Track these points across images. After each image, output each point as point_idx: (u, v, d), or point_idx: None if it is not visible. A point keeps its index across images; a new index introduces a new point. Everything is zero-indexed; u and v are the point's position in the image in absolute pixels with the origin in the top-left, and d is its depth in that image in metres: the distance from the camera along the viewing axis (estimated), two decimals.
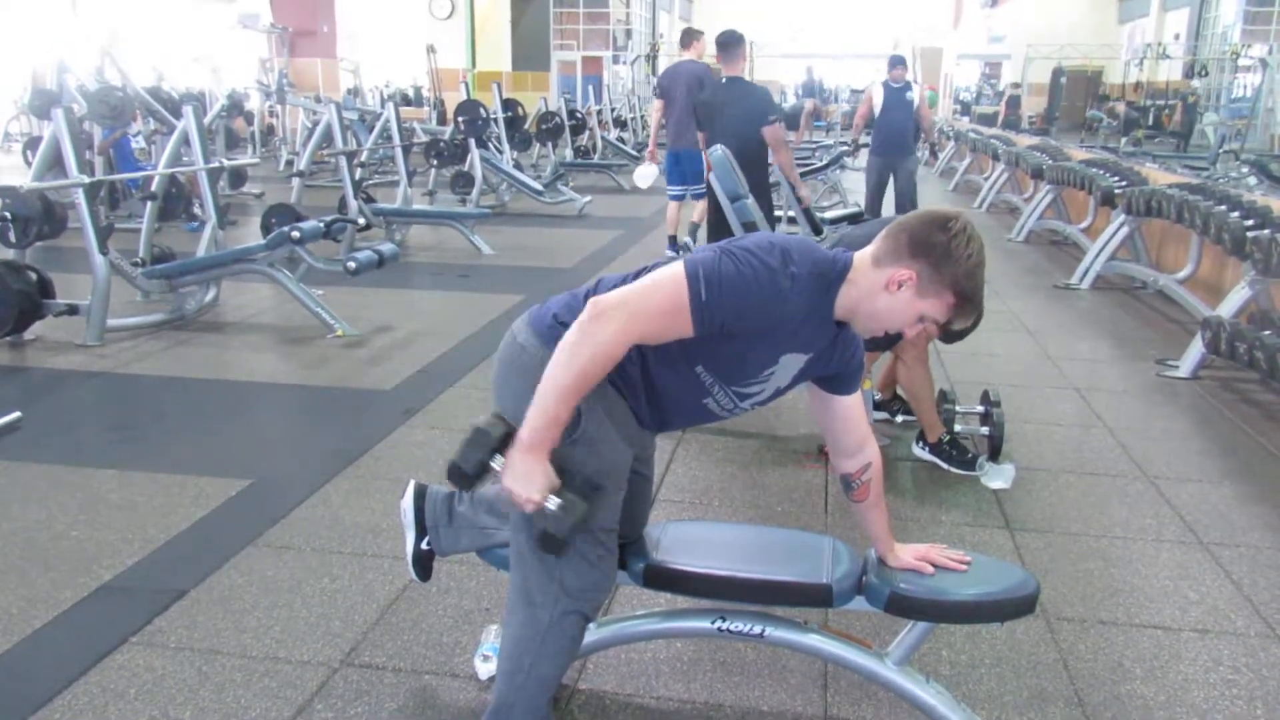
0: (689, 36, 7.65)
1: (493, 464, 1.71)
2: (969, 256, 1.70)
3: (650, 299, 1.68)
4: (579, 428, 1.74)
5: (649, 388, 1.83)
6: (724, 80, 5.57)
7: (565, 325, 1.74)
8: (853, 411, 1.95)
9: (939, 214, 1.75)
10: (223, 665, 2.34)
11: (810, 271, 1.72)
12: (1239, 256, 5.19)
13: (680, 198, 7.62)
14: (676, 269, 1.69)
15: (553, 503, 1.67)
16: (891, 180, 8.27)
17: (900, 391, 4.08)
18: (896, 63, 8.38)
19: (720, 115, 5.46)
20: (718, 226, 5.55)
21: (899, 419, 4.06)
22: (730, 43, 5.53)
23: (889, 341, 3.37)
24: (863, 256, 1.77)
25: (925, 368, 3.62)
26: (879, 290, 1.74)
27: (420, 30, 21.25)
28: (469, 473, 1.71)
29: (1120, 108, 19.48)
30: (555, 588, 1.82)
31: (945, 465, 3.65)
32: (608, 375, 1.71)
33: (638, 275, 1.80)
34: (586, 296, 1.80)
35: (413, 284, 7.02)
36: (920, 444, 3.75)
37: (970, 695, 2.30)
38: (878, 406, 4.05)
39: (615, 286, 1.78)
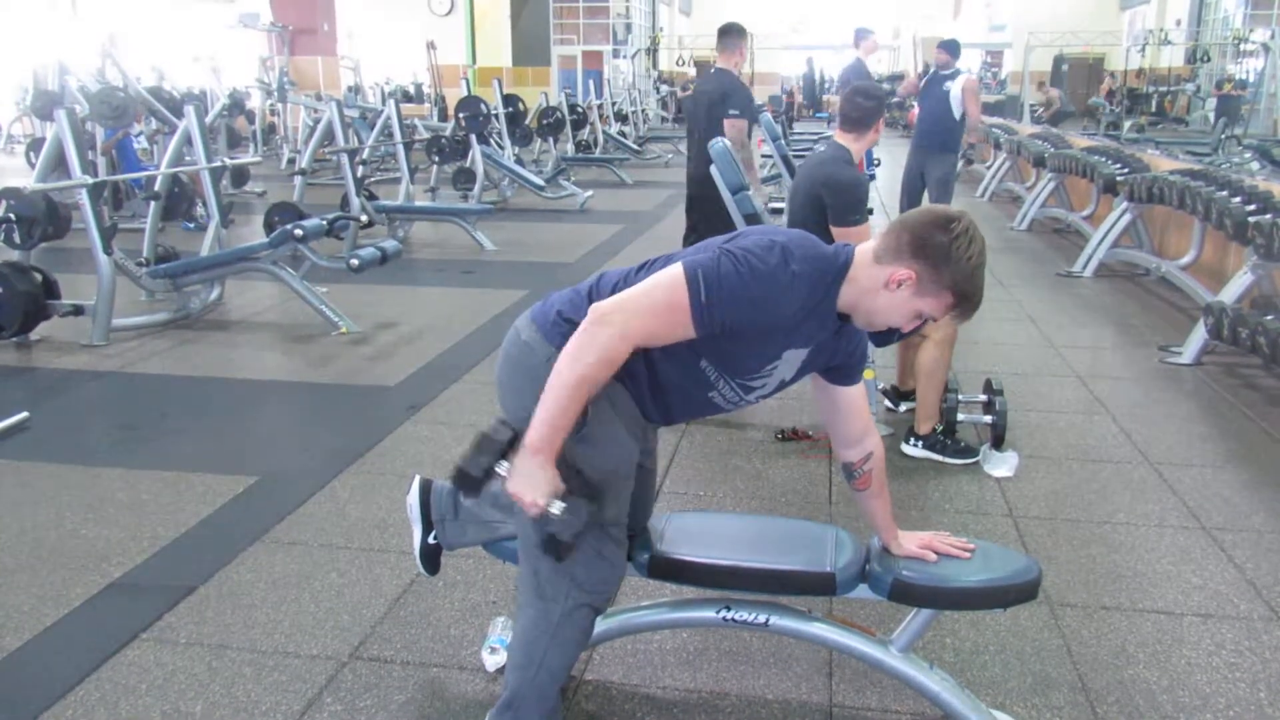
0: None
1: (498, 469, 1.71)
2: (969, 259, 1.69)
3: (650, 302, 1.68)
4: (584, 425, 1.74)
5: (654, 382, 1.84)
6: (712, 70, 5.58)
7: (569, 321, 1.75)
8: (855, 402, 1.96)
9: (941, 213, 1.74)
10: (233, 660, 2.37)
11: (811, 270, 1.71)
12: (1241, 242, 5.19)
13: None
14: (676, 271, 1.69)
15: (556, 507, 1.67)
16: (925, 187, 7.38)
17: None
18: (939, 47, 7.44)
19: (697, 104, 5.52)
20: None
21: (902, 408, 4.06)
22: (725, 33, 5.48)
23: (898, 336, 3.34)
24: (864, 252, 1.77)
25: (949, 352, 3.61)
26: (878, 288, 1.73)
27: (420, 27, 21.27)
28: (475, 477, 1.72)
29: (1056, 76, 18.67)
30: (566, 581, 1.84)
31: (940, 457, 3.64)
32: None
33: (640, 269, 1.81)
34: (589, 292, 1.81)
35: (416, 280, 7.04)
36: (912, 441, 3.70)
37: (974, 681, 2.31)
38: (905, 396, 4.05)
39: (617, 283, 1.79)
